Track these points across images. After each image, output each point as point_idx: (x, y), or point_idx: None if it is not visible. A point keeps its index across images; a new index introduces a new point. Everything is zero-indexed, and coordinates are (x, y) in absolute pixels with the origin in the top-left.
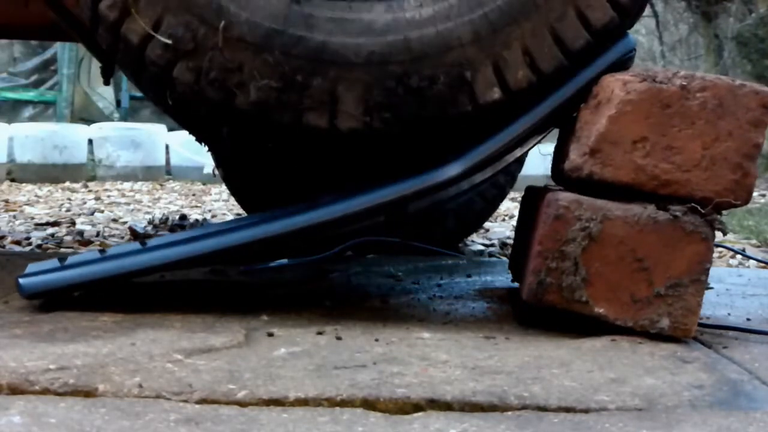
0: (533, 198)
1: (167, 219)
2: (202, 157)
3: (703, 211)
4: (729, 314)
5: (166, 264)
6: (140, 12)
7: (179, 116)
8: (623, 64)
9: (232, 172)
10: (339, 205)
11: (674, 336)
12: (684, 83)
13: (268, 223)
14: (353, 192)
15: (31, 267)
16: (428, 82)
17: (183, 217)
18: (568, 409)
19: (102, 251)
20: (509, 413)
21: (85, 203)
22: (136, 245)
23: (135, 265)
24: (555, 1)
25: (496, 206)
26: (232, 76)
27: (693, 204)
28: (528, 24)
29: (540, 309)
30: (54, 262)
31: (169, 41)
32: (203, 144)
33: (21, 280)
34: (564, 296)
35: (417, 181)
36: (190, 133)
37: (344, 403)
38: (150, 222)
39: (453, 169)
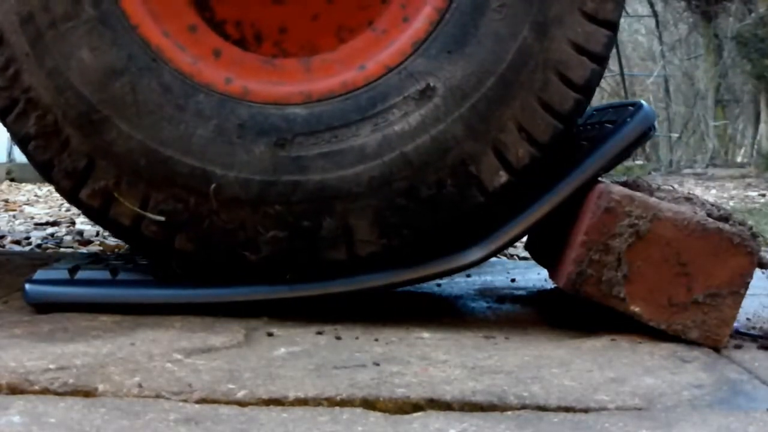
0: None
1: None
2: None
3: (752, 225)
4: None
5: (176, 304)
6: (124, 195)
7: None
8: (643, 138)
9: None
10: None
11: (705, 345)
12: None
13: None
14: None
15: (40, 274)
16: (436, 189)
17: None
18: (567, 409)
19: (113, 271)
20: (509, 413)
21: None
22: (148, 277)
23: (146, 299)
24: (536, 72)
25: None
26: (236, 236)
27: None
28: (516, 102)
29: (572, 298)
30: (63, 273)
31: (161, 218)
32: None
33: (27, 286)
34: (602, 290)
35: (442, 263)
36: None
37: (344, 403)
38: None
39: (476, 254)
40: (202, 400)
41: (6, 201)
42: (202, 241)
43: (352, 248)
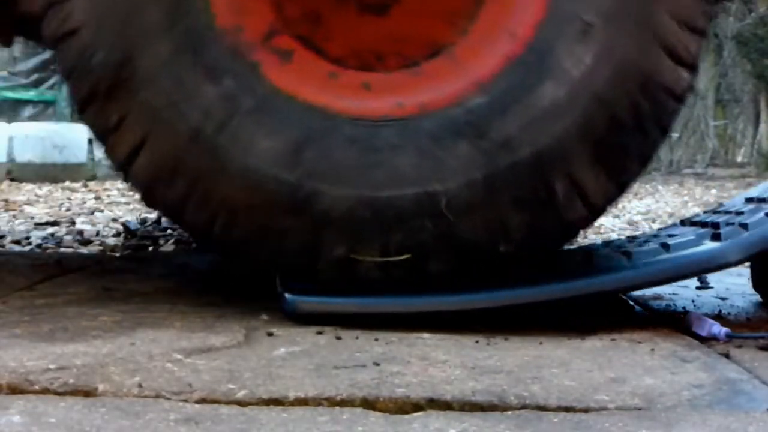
0: None
1: (160, 219)
2: None
3: None
4: (729, 314)
5: (440, 311)
6: (362, 254)
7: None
8: None
9: None
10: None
11: None
12: None
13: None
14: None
15: (296, 283)
16: (633, 111)
17: (158, 220)
18: (567, 409)
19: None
20: (509, 413)
21: (84, 203)
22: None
23: (406, 307)
24: None
25: None
26: (484, 236)
27: None
28: None
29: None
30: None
31: (407, 256)
32: None
33: (288, 296)
34: None
35: (700, 261)
36: None
37: (344, 403)
38: (143, 222)
39: (734, 255)
40: (202, 400)
41: (6, 201)
42: (454, 257)
43: (589, 200)
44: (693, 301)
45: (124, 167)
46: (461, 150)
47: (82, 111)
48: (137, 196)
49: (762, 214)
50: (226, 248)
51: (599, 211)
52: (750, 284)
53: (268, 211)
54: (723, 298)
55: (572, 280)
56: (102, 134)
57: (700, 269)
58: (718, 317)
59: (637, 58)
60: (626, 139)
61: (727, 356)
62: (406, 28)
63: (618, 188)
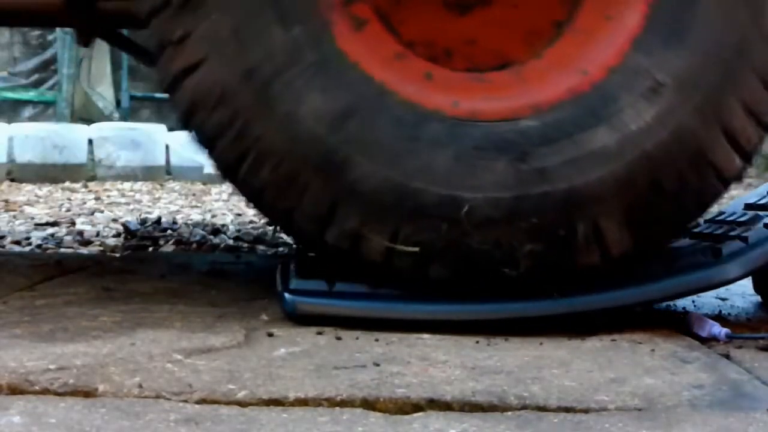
0: None
1: (159, 219)
2: (203, 157)
3: None
4: (729, 314)
5: (441, 320)
6: (373, 232)
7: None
8: None
9: None
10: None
11: None
12: None
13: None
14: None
15: (297, 283)
16: (678, 181)
17: (158, 221)
18: (567, 409)
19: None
20: (509, 413)
21: (85, 203)
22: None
23: (408, 314)
24: (756, 51)
25: None
26: (493, 255)
27: None
28: (742, 85)
29: None
30: (321, 284)
31: (415, 249)
32: None
33: (287, 296)
34: None
35: (699, 279)
36: None
37: (344, 403)
38: (143, 222)
39: (734, 271)
40: (202, 401)
41: (6, 201)
42: (458, 265)
43: (606, 251)
44: (693, 301)
45: (172, 84)
46: (499, 166)
47: (149, 19)
48: (176, 113)
49: (761, 225)
50: (247, 189)
51: (612, 263)
52: (750, 285)
53: (298, 163)
54: (723, 299)
55: (571, 297)
56: (162, 46)
57: (700, 288)
58: (718, 318)
59: (696, 130)
60: (662, 205)
61: (727, 357)
62: (483, 34)
63: (638, 247)
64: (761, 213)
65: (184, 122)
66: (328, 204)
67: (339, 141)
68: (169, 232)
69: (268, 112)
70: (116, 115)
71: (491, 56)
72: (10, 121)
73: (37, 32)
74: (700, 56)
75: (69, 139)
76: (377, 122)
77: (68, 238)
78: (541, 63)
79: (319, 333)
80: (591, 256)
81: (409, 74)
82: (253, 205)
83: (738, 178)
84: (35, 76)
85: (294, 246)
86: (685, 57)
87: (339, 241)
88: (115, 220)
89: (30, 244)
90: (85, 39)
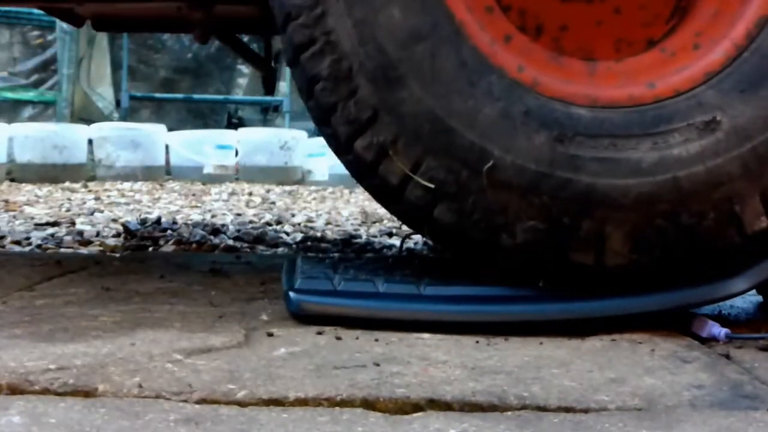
0: None
1: (159, 219)
2: (202, 157)
3: None
4: (729, 314)
5: (447, 322)
6: (399, 154)
7: (438, 241)
8: None
9: None
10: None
11: None
12: None
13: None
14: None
15: (303, 283)
16: (697, 219)
17: (158, 221)
18: (567, 409)
19: (375, 285)
20: (509, 413)
21: (84, 203)
22: (412, 291)
23: (413, 314)
24: None
25: None
26: (497, 218)
27: None
28: None
29: None
30: (326, 283)
31: (431, 184)
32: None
33: (292, 295)
34: None
35: (704, 292)
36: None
37: (344, 403)
38: (143, 222)
39: (739, 285)
40: (202, 401)
41: (6, 201)
42: (462, 215)
43: (601, 256)
44: None
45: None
46: (538, 138)
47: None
48: None
49: None
50: (304, 79)
51: (602, 270)
52: None
53: (356, 64)
54: None
55: (571, 302)
56: None
57: (704, 301)
58: (718, 317)
59: (734, 178)
60: (673, 235)
61: (727, 357)
62: (577, 26)
63: (633, 265)
64: None
65: None
66: (369, 113)
67: (401, 59)
68: (169, 232)
69: (348, 9)
70: (116, 115)
71: (576, 47)
72: (10, 121)
73: (36, 32)
74: (764, 112)
75: (69, 139)
76: (443, 56)
77: (68, 238)
78: (616, 66)
79: (319, 333)
80: (585, 256)
81: (491, 29)
82: (305, 93)
83: (760, 239)
84: (35, 76)
85: (296, 245)
86: (750, 107)
87: (366, 151)
88: (114, 220)
89: (30, 244)
90: (203, 38)
